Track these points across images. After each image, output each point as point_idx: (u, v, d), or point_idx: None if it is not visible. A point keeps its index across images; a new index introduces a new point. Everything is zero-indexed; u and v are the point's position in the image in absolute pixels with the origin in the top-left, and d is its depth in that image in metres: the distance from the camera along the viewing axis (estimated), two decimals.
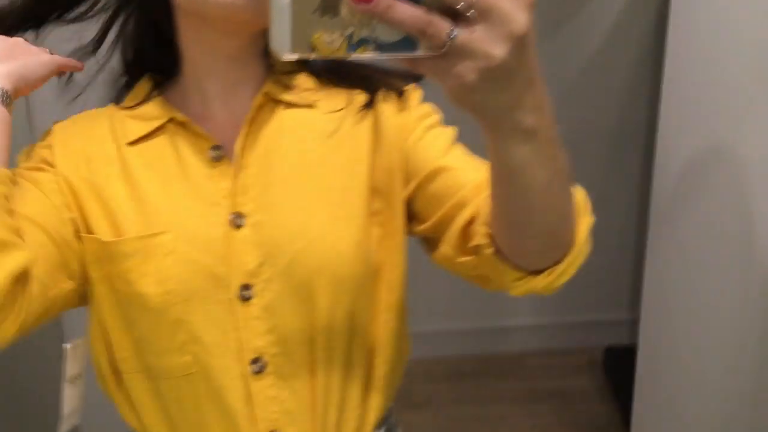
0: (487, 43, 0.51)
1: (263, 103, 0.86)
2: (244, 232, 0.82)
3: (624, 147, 2.61)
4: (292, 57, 0.51)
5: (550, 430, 2.36)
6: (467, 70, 0.52)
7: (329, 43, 0.51)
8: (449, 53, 0.52)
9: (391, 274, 0.88)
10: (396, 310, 0.89)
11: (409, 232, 0.89)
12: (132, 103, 0.89)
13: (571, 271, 0.73)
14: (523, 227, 0.68)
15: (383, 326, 0.88)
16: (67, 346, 0.95)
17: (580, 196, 0.72)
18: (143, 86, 0.91)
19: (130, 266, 0.80)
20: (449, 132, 0.89)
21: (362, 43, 0.51)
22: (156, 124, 0.86)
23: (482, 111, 0.56)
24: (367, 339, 0.88)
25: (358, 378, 0.88)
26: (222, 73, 0.86)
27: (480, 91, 0.53)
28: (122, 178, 0.84)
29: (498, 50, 0.51)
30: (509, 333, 2.72)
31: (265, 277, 0.82)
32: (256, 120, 0.85)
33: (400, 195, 0.87)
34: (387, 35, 0.51)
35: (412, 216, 0.88)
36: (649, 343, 1.86)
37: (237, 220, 0.82)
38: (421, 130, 0.87)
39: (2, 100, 0.78)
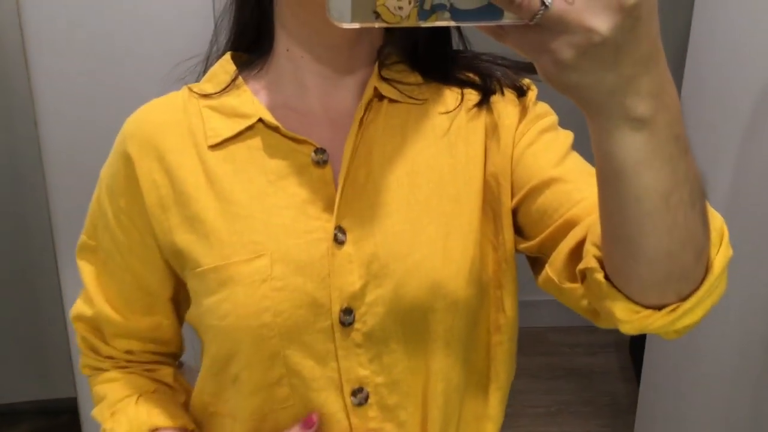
0: (588, 14, 0.43)
1: (371, 99, 0.75)
2: (347, 249, 0.71)
3: None
4: (353, 25, 0.44)
5: (568, 408, 2.33)
6: (562, 46, 0.44)
7: (397, 9, 0.44)
8: (542, 24, 0.44)
9: (502, 292, 0.78)
10: (509, 331, 0.79)
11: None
12: (212, 89, 0.77)
13: (700, 312, 0.59)
14: (633, 248, 0.55)
15: (496, 349, 0.79)
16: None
17: (717, 221, 0.60)
18: (225, 66, 0.78)
19: (222, 297, 0.71)
20: (565, 137, 0.77)
21: (436, 9, 0.44)
22: (244, 124, 0.74)
23: (581, 94, 0.47)
24: (480, 365, 0.80)
25: (472, 408, 0.80)
26: (324, 62, 0.75)
27: (578, 71, 0.45)
28: (208, 189, 0.73)
29: (601, 23, 0.43)
30: (535, 307, 2.73)
31: (368, 300, 0.72)
32: (362, 119, 0.74)
33: (507, 205, 0.75)
34: (466, 1, 0.44)
35: (516, 231, 0.76)
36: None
37: (340, 236, 0.71)
38: (534, 134, 0.75)
39: None
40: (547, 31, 0.44)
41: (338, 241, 0.71)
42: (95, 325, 0.84)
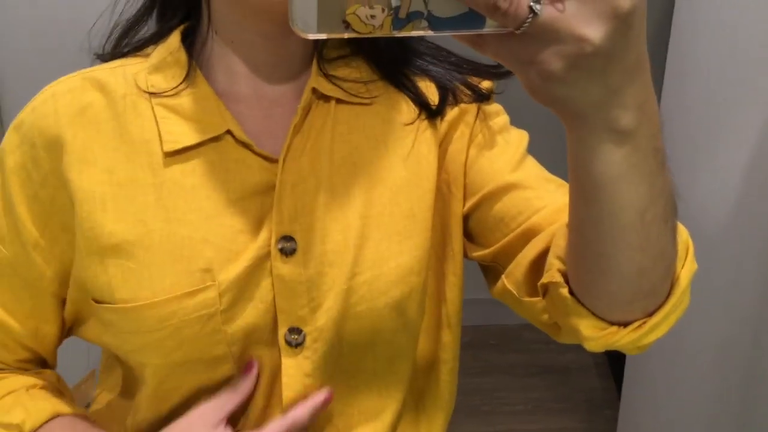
0: (579, 22, 0.40)
1: (311, 102, 0.67)
2: (292, 267, 0.65)
3: None
4: (319, 36, 0.40)
5: (544, 405, 2.33)
6: (551, 57, 0.41)
7: (369, 18, 0.40)
8: (528, 34, 0.40)
9: (447, 307, 0.74)
10: (454, 349, 0.75)
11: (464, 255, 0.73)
12: (165, 84, 0.65)
13: (665, 328, 0.58)
14: (606, 264, 0.53)
15: (440, 368, 0.76)
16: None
17: (684, 235, 0.58)
18: (175, 55, 0.66)
19: (164, 336, 0.64)
20: (519, 139, 0.72)
21: (412, 18, 0.40)
22: (209, 134, 0.64)
23: (566, 106, 0.44)
24: (422, 385, 0.77)
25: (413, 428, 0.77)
26: (256, 52, 0.66)
27: (566, 83, 0.42)
28: (161, 210, 0.64)
29: (594, 32, 0.40)
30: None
31: (319, 325, 0.66)
32: (303, 124, 0.67)
33: (458, 214, 0.71)
34: (444, 9, 0.40)
35: (467, 237, 0.72)
36: None
37: (286, 248, 0.65)
38: (487, 136, 0.71)
39: None
40: (533, 41, 0.41)
41: (285, 253, 0.65)
42: None
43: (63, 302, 0.72)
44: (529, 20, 0.39)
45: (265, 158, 0.66)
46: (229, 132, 0.65)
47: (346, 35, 0.40)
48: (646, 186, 0.48)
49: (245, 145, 0.65)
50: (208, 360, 0.66)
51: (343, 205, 0.67)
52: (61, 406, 0.71)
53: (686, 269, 0.57)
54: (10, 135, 0.67)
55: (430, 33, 0.41)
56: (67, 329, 0.75)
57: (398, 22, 0.40)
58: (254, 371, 0.67)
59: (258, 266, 0.65)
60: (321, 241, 0.66)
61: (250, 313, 0.65)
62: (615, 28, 0.40)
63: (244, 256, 0.64)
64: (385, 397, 0.72)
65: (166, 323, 0.63)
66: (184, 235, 0.64)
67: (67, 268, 0.68)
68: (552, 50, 0.41)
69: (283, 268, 0.65)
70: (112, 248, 0.64)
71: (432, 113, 0.70)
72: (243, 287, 0.65)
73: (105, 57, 0.71)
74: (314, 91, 0.67)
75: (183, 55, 0.66)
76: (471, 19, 0.40)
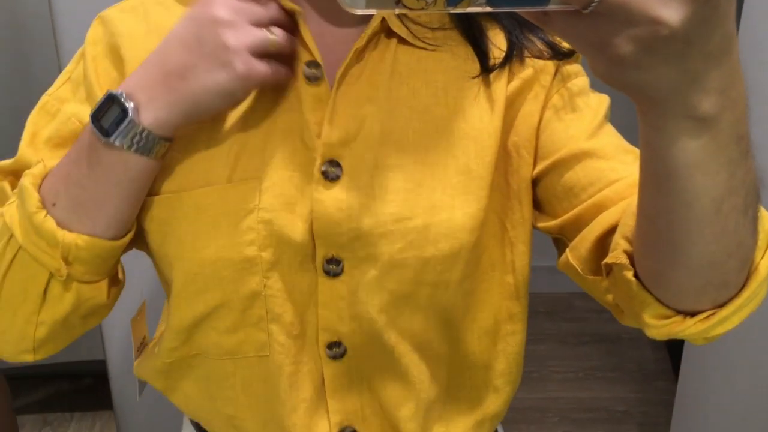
0: (655, 3, 0.36)
1: (377, 32, 0.65)
2: (339, 191, 0.64)
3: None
4: (368, 11, 0.38)
5: (595, 374, 2.31)
6: (622, 39, 0.37)
7: None
8: (597, 13, 0.37)
9: (514, 277, 0.72)
10: (519, 321, 0.73)
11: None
12: None
13: (736, 320, 0.54)
14: (677, 255, 0.49)
15: (507, 340, 0.73)
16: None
17: (766, 223, 0.53)
18: None
19: (199, 225, 0.64)
20: (599, 103, 0.67)
21: None
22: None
23: (639, 92, 0.41)
24: (479, 356, 0.73)
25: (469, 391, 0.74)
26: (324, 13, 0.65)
27: (639, 68, 0.38)
28: None
29: (672, 14, 0.36)
30: (559, 273, 2.68)
31: (359, 255, 0.65)
32: (363, 52, 0.64)
33: (527, 180, 0.67)
34: None
35: (533, 205, 0.69)
36: None
37: (331, 172, 0.64)
38: (564, 97, 0.66)
39: (147, 148, 0.60)
40: (603, 21, 0.37)
41: (329, 178, 0.63)
42: (14, 171, 0.69)
43: None
44: None
45: (315, 73, 0.64)
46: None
47: (396, 11, 0.38)
48: (725, 175, 0.44)
49: (300, 41, 0.63)
50: (238, 263, 0.64)
51: (397, 144, 0.64)
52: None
53: (766, 259, 0.53)
54: (95, 26, 0.70)
55: (488, 9, 0.38)
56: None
57: None
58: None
59: (301, 185, 0.64)
60: (369, 173, 0.64)
61: (286, 223, 0.64)
62: (696, 11, 0.36)
63: (287, 165, 0.64)
64: (423, 355, 0.70)
65: (205, 213, 0.64)
66: (225, 129, 0.64)
67: None
68: (622, 32, 0.37)
69: (324, 193, 0.64)
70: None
71: (495, 66, 0.67)
72: (283, 194, 0.64)
73: None
74: (382, 22, 0.64)
75: None
76: None
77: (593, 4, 0.36)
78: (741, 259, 0.51)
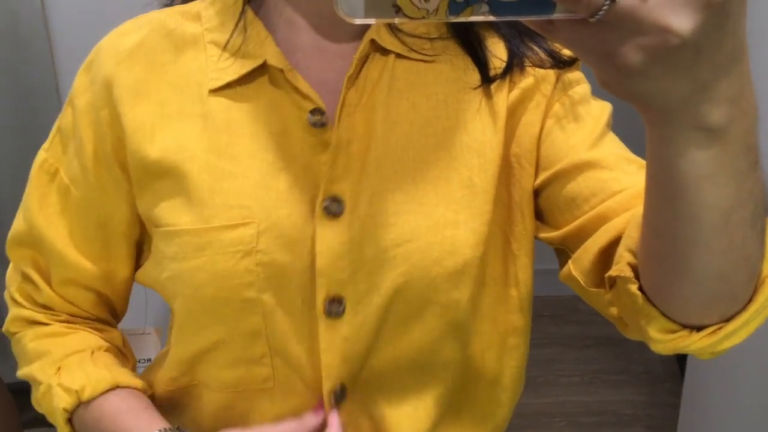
0: (665, 11, 0.34)
1: (368, 53, 0.65)
2: (339, 227, 0.63)
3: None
4: (366, 21, 0.37)
5: (601, 377, 2.30)
6: (630, 49, 0.36)
7: (422, 2, 0.37)
8: (605, 22, 0.35)
9: (518, 290, 0.71)
10: (523, 335, 0.72)
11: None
12: (224, 26, 0.66)
13: (743, 335, 0.52)
14: (682, 267, 0.48)
15: (512, 354, 0.72)
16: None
17: None
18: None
19: (197, 265, 0.64)
20: (601, 111, 0.66)
21: (472, 1, 0.37)
22: (251, 65, 0.64)
23: (647, 102, 0.39)
24: (485, 371, 0.72)
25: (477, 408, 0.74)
26: (318, 6, 0.65)
27: (647, 78, 0.37)
28: (204, 140, 0.64)
29: (682, 23, 0.35)
30: None
31: (361, 288, 0.64)
32: (358, 77, 0.65)
33: (529, 191, 0.67)
34: None
35: (535, 216, 0.69)
36: None
37: (332, 207, 0.63)
38: (566, 105, 0.66)
39: None
40: (610, 30, 0.36)
41: (331, 214, 0.63)
42: (37, 254, 0.73)
43: (134, 244, 0.73)
44: (606, 7, 0.35)
45: (300, 92, 0.64)
46: (280, 71, 0.64)
47: (396, 20, 0.37)
48: (733, 187, 0.43)
49: (297, 92, 0.64)
50: (237, 304, 0.64)
51: (396, 167, 0.64)
52: (121, 377, 0.72)
53: None
54: (80, 76, 0.70)
55: (491, 18, 0.37)
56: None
57: (455, 7, 0.37)
58: (322, 412, 0.67)
59: (300, 224, 0.64)
60: (369, 201, 0.64)
61: (286, 264, 0.64)
62: (707, 20, 0.35)
63: (287, 205, 0.64)
64: (428, 375, 0.70)
65: (202, 253, 0.63)
66: (224, 168, 0.64)
67: (134, 208, 0.70)
68: (630, 41, 0.36)
69: (326, 228, 0.63)
70: (158, 174, 0.65)
71: (496, 77, 0.66)
72: (283, 235, 0.63)
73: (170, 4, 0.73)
74: (372, 42, 0.64)
75: (242, 1, 0.67)
76: (539, 3, 0.36)
77: (601, 13, 0.35)
78: (748, 272, 0.50)
